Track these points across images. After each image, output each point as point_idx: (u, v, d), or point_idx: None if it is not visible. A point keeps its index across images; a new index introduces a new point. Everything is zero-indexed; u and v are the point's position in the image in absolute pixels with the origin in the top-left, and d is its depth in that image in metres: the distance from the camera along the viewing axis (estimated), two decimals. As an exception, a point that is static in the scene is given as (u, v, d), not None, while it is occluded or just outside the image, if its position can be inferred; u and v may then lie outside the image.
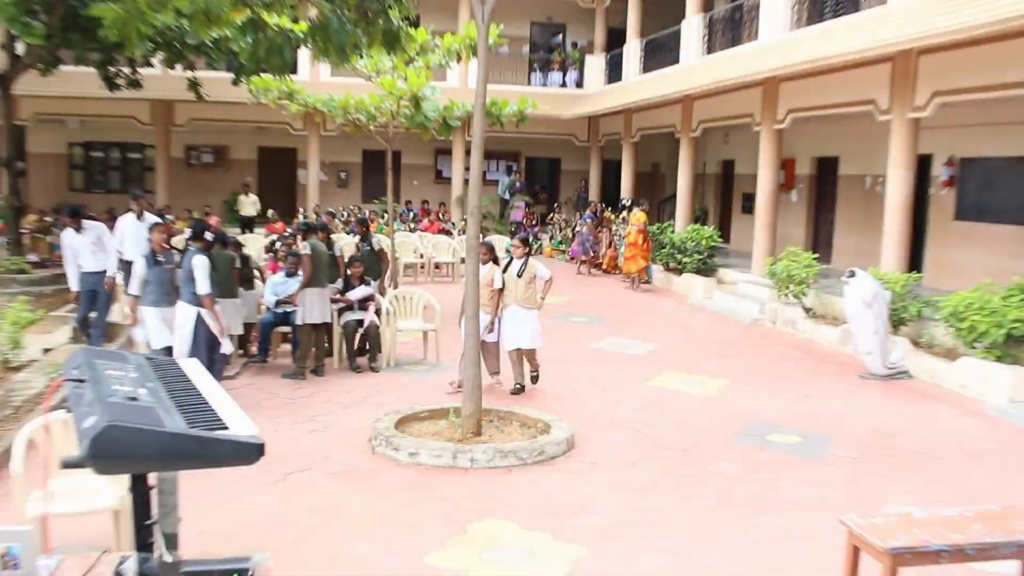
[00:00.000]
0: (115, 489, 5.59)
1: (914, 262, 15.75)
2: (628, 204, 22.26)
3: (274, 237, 16.74)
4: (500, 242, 22.30)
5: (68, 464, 2.41)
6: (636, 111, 24.62)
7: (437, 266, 21.14)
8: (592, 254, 22.42)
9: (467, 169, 26.26)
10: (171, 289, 9.23)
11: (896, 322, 12.29)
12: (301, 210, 25.35)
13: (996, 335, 10.41)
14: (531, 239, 26.41)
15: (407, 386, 10.41)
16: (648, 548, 6.16)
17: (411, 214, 25.77)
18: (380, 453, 8.03)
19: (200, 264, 9.04)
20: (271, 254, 15.13)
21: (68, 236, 11.22)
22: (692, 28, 21.01)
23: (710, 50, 20.60)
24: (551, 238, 26.44)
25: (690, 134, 21.41)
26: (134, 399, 2.37)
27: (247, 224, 23.66)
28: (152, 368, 2.79)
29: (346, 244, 17.29)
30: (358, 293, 11.39)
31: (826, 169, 20.48)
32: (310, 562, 5.79)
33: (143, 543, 2.66)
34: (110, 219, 15.39)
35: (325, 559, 5.87)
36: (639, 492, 7.28)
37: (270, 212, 24.16)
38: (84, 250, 11.11)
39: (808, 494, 7.33)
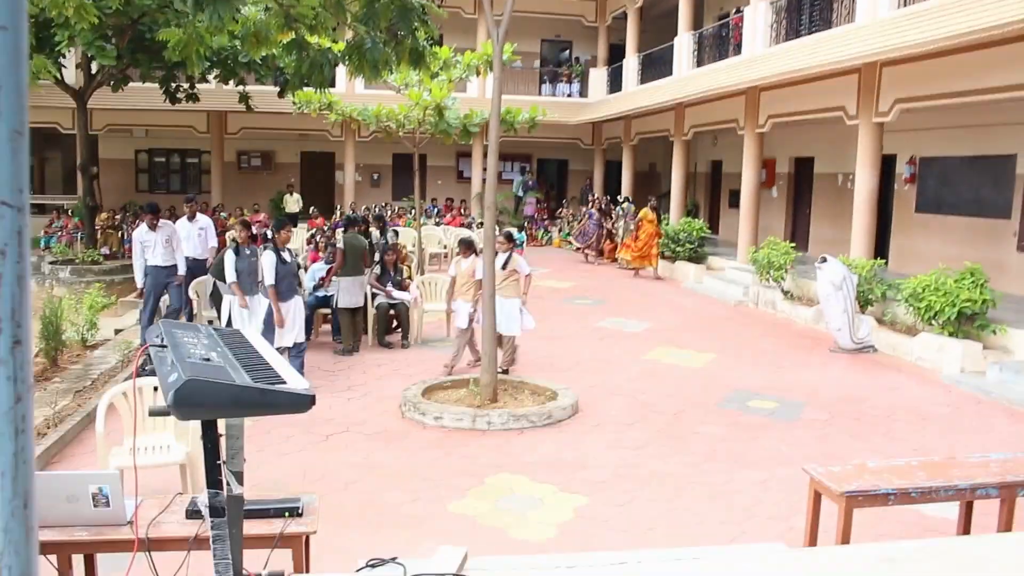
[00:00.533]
0: (182, 447, 5.80)
1: (881, 250, 15.83)
2: (622, 200, 22.25)
3: (314, 231, 16.89)
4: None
5: (154, 412, 2.61)
6: (634, 117, 24.66)
7: (459, 256, 21.24)
8: (596, 243, 22.30)
9: (485, 169, 26.51)
10: (254, 280, 9.36)
11: (863, 302, 12.40)
12: (338, 207, 25.52)
13: (949, 313, 10.52)
14: (540, 232, 26.68)
15: (432, 360, 10.59)
16: (641, 498, 6.33)
17: (435, 210, 25.91)
18: (409, 417, 8.21)
19: (267, 260, 9.10)
20: (311, 246, 15.33)
21: (142, 232, 10.73)
22: (683, 44, 21.03)
23: (699, 63, 20.63)
24: (560, 231, 26.54)
25: (682, 138, 21.47)
26: (208, 359, 2.56)
27: (292, 220, 23.80)
28: (220, 337, 2.98)
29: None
30: (402, 295, 11.52)
31: (803, 168, 20.51)
32: (349, 508, 5.99)
33: (213, 481, 2.83)
34: (171, 218, 15.61)
35: (361, 505, 6.07)
36: (634, 450, 7.44)
37: (312, 209, 24.36)
38: (157, 245, 10.67)
39: (782, 451, 7.49)
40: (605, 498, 6.29)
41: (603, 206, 23.02)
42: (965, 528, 4.78)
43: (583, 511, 6.03)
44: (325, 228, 17.41)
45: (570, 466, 6.96)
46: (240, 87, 18.73)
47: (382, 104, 15.22)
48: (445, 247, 20.90)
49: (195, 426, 3.78)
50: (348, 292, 10.93)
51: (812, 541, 4.54)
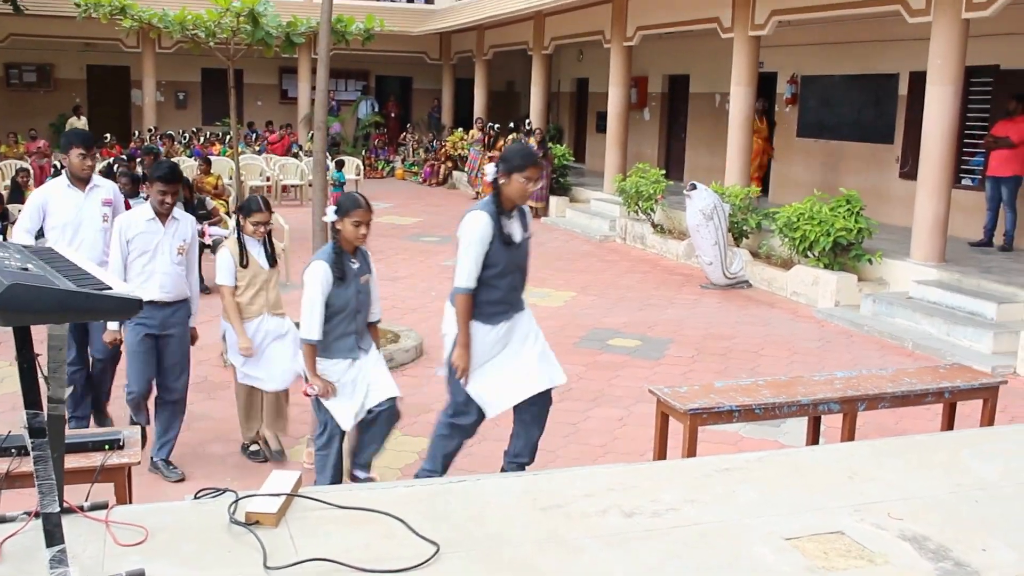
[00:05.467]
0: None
1: (762, 178, 16.99)
2: (528, 127, 21.47)
3: (110, 160, 16.73)
4: (350, 164, 22.74)
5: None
6: (488, 27, 25.12)
7: (285, 189, 21.39)
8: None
9: (313, 88, 26.45)
10: None
11: (737, 234, 13.43)
12: (136, 132, 25.08)
13: (824, 243, 11.59)
14: (381, 162, 26.92)
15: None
16: (488, 438, 6.95)
17: (255, 135, 25.78)
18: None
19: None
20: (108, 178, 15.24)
21: None
22: (544, -59, 21.57)
23: (562, -35, 21.24)
24: (403, 160, 26.86)
25: (542, 51, 22.11)
26: (26, 269, 2.96)
27: (80, 148, 23.24)
28: (32, 252, 3.37)
29: (188, 167, 17.50)
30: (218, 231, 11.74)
31: (677, 87, 21.55)
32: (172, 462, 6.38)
33: (32, 401, 3.23)
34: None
35: (183, 458, 6.47)
36: (485, 392, 8.07)
37: (108, 136, 23.83)
38: None
39: (642, 389, 8.26)
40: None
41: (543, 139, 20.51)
42: (813, 442, 5.64)
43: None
44: (123, 157, 17.25)
45: (413, 409, 7.53)
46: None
47: (187, 8, 15.12)
48: (268, 179, 20.98)
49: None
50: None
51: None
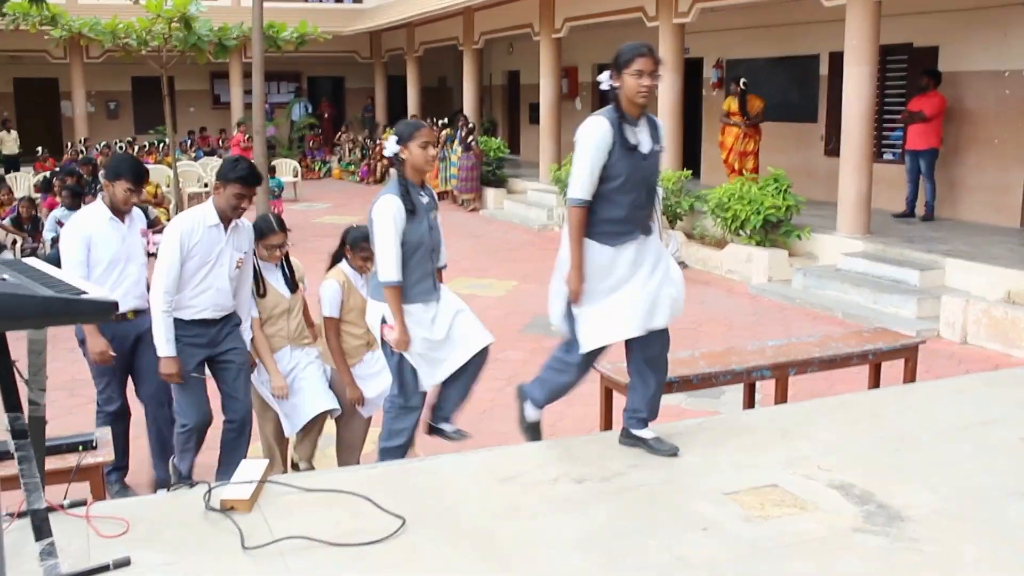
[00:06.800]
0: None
1: (692, 161, 17.39)
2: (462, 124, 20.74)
3: (46, 174, 16.68)
4: (287, 166, 22.80)
5: (-41, 331, 3.18)
6: (418, 24, 25.27)
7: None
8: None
9: (247, 93, 26.43)
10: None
11: (671, 217, 13.79)
12: (70, 144, 24.87)
13: (755, 221, 11.99)
14: (318, 163, 26.95)
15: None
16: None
17: (188, 142, 25.71)
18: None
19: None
20: (43, 192, 15.25)
21: None
22: (469, -63, 21.81)
23: (488, -40, 21.49)
24: (340, 160, 26.94)
25: (473, 46, 22.35)
26: (3, 279, 3.15)
27: (11, 163, 23.04)
28: (4, 264, 3.55)
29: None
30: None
31: (607, 76, 21.87)
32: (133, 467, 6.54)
33: (11, 405, 3.41)
34: None
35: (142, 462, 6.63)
36: (435, 381, 8.31)
37: (41, 150, 23.53)
38: None
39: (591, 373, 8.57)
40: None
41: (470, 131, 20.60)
42: (749, 407, 5.99)
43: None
44: (57, 170, 17.18)
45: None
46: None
47: (118, 16, 15.13)
48: (206, 185, 20.96)
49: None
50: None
51: (606, 436, 5.56)
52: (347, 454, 5.76)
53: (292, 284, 5.65)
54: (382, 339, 4.85)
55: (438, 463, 4.54)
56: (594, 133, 4.46)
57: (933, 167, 12.73)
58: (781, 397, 5.67)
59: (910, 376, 6.19)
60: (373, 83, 29.87)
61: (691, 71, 17.28)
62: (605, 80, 4.53)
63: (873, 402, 5.28)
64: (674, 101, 15.17)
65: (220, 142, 26.30)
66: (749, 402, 6.09)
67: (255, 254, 5.47)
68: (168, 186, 16.63)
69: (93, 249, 5.38)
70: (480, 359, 5.07)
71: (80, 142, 24.12)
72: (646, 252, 4.66)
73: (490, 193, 19.55)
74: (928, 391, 5.62)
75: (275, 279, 5.60)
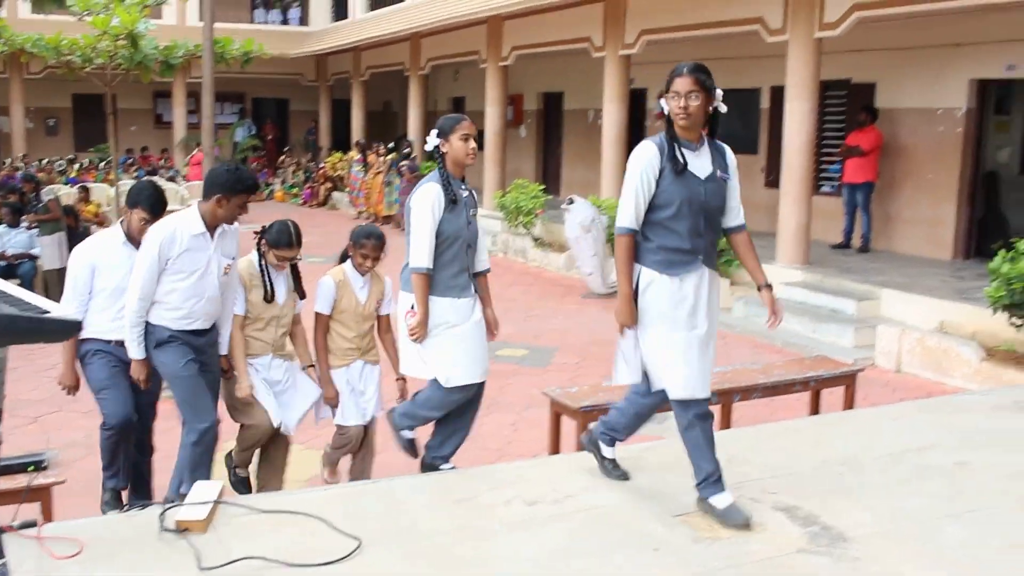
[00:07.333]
0: None
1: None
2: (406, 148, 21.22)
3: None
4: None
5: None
6: (365, 49, 25.36)
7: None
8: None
9: (191, 112, 26.29)
10: None
11: (613, 246, 13.95)
12: (8, 161, 24.49)
13: (697, 250, 12.16)
14: (261, 184, 26.80)
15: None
16: (388, 449, 7.21)
17: (128, 160, 25.45)
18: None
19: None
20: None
21: None
22: (417, -35, 21.96)
23: (436, -13, 21.65)
24: (283, 182, 26.83)
25: (419, 72, 22.48)
26: (-33, 298, 3.16)
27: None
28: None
29: (65, 194, 17.28)
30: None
31: (552, 104, 22.13)
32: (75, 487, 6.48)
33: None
34: None
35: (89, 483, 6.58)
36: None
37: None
38: None
39: (532, 394, 8.62)
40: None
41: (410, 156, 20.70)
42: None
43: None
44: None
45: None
46: None
47: (62, 32, 14.94)
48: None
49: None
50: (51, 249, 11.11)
51: (555, 460, 5.64)
52: (270, 474, 5.63)
53: (300, 292, 5.58)
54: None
55: (393, 485, 4.59)
56: (639, 158, 4.26)
57: (870, 200, 13.05)
58: (725, 423, 5.80)
59: (849, 403, 6.36)
60: (318, 106, 29.86)
61: (636, 101, 17.53)
62: (661, 104, 4.35)
63: (815, 428, 5.43)
64: (618, 131, 15.39)
65: (162, 162, 26.09)
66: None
67: (264, 258, 5.38)
68: (109, 205, 16.45)
69: (98, 276, 5.20)
70: (482, 392, 5.06)
71: (19, 158, 23.81)
72: (711, 292, 4.41)
73: (435, 218, 19.53)
74: (867, 418, 5.79)
75: (279, 286, 5.47)
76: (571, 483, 4.52)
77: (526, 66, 19.95)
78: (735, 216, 4.47)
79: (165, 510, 4.00)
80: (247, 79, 27.49)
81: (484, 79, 19.48)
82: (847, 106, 14.19)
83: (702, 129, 4.30)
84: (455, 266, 4.77)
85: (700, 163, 4.26)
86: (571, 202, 13.18)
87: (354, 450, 5.67)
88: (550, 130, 22.38)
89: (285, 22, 29.11)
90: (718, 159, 4.34)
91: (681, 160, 4.19)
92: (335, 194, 24.63)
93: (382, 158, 20.71)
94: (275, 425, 5.31)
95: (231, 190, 4.91)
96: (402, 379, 5.54)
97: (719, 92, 4.23)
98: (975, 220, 12.74)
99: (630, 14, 14.86)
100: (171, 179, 23.58)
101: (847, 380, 6.38)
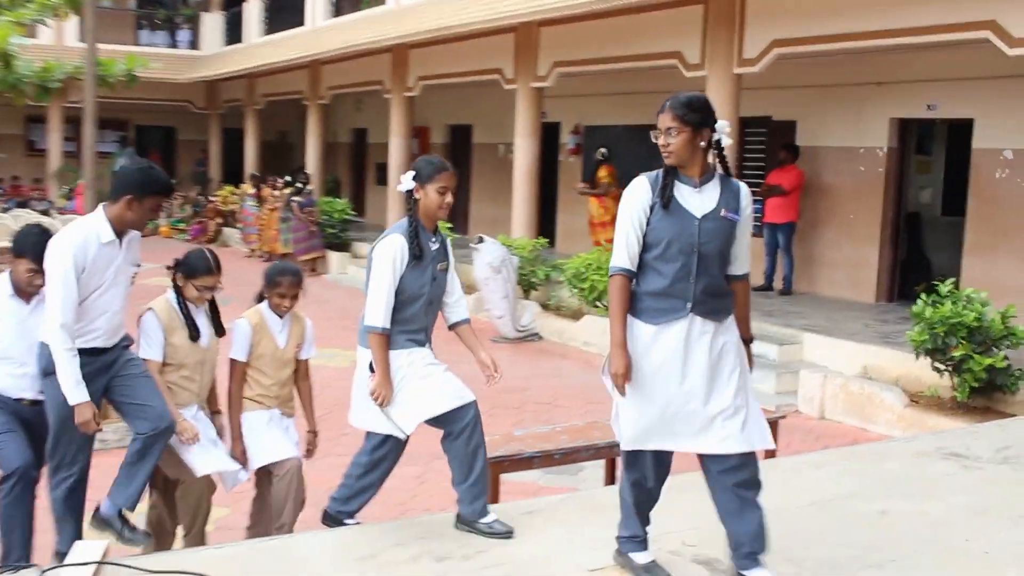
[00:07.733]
0: None
1: (547, 229, 17.80)
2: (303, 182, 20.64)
3: None
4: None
5: None
6: (260, 76, 25.25)
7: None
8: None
9: (67, 140, 25.81)
10: None
11: (526, 286, 14.08)
12: None
13: (613, 293, 12.34)
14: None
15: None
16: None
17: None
18: None
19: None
20: None
21: None
22: (317, -12, 22.03)
23: (339, 12, 21.70)
24: (169, 216, 26.44)
25: (319, 101, 22.50)
26: None
27: None
28: None
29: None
30: None
31: (460, 137, 22.30)
32: None
33: None
34: None
35: None
36: (277, 456, 8.24)
37: None
38: None
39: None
40: (246, 507, 7.05)
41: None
42: (611, 483, 6.17)
43: (225, 520, 6.77)
44: None
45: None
46: None
47: (-74, 53, 14.66)
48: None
49: None
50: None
51: (464, 513, 5.65)
52: (188, 514, 5.33)
53: (219, 329, 5.39)
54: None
55: (290, 542, 4.56)
56: (629, 193, 4.14)
57: (791, 241, 13.41)
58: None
59: (771, 451, 6.50)
60: (208, 135, 29.59)
61: (549, 136, 17.79)
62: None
63: (736, 477, 5.54)
64: (530, 166, 15.59)
65: (34, 192, 25.53)
66: (610, 478, 6.28)
67: (181, 294, 5.23)
68: (-24, 240, 16.06)
69: None
70: (468, 421, 4.95)
71: None
72: (702, 343, 4.12)
73: (334, 257, 19.53)
74: (790, 465, 5.94)
75: (202, 324, 5.31)
76: (482, 537, 4.55)
77: (433, 97, 20.09)
78: (741, 264, 4.26)
79: (43, 572, 3.92)
80: (131, 105, 27.12)
81: (388, 110, 19.55)
82: (767, 144, 14.59)
83: (705, 164, 4.15)
84: (414, 324, 4.78)
85: (700, 200, 4.09)
86: (480, 241, 13.28)
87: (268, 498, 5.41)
88: (458, 165, 22.13)
89: (174, 45, 28.82)
90: (727, 198, 4.14)
91: (676, 199, 4.09)
92: (226, 230, 24.39)
93: (278, 192, 20.59)
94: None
95: (143, 191, 4.68)
96: (313, 432, 5.49)
97: (722, 124, 4.14)
98: (898, 262, 13.19)
99: (542, 45, 15.11)
100: (44, 212, 23.08)
101: (769, 427, 6.51)
